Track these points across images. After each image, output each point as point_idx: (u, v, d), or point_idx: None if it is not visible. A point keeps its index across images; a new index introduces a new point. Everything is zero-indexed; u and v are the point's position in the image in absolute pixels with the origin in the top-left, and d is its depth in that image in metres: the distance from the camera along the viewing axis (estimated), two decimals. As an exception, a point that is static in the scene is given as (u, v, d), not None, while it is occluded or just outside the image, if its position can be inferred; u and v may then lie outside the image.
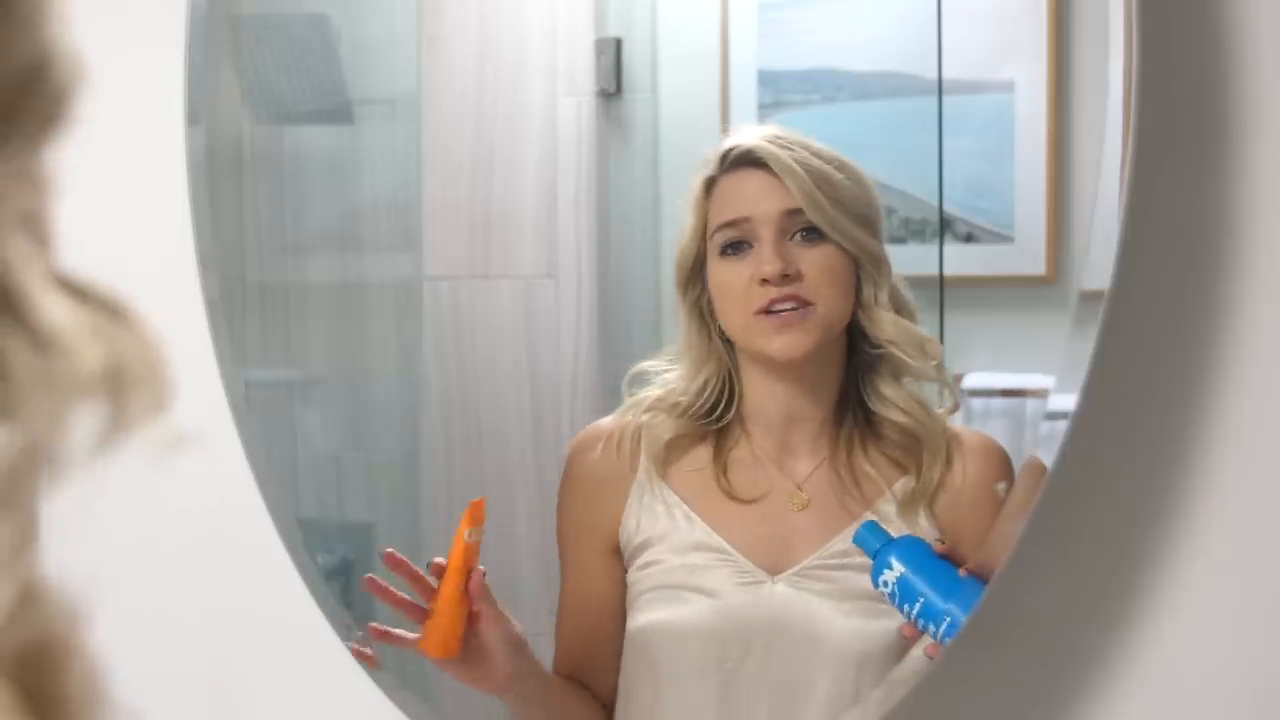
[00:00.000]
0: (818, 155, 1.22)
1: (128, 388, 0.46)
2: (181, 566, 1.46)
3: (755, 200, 1.22)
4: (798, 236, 1.22)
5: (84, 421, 0.45)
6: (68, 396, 0.45)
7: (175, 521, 1.46)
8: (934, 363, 1.24)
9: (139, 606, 1.47)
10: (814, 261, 1.22)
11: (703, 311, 1.27)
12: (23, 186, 0.47)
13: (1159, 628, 1.17)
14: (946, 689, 1.20)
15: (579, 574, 1.30)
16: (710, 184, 1.25)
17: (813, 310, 1.21)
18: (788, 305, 1.21)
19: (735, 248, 1.23)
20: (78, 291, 0.47)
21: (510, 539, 1.44)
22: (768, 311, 1.21)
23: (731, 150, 1.24)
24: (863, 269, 1.23)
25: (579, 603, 1.30)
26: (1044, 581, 1.19)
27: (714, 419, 1.27)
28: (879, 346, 1.23)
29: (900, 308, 1.24)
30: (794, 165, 1.21)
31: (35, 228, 0.47)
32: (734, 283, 1.23)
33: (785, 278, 1.20)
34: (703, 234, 1.25)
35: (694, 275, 1.27)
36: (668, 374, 1.29)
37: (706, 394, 1.27)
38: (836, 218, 1.21)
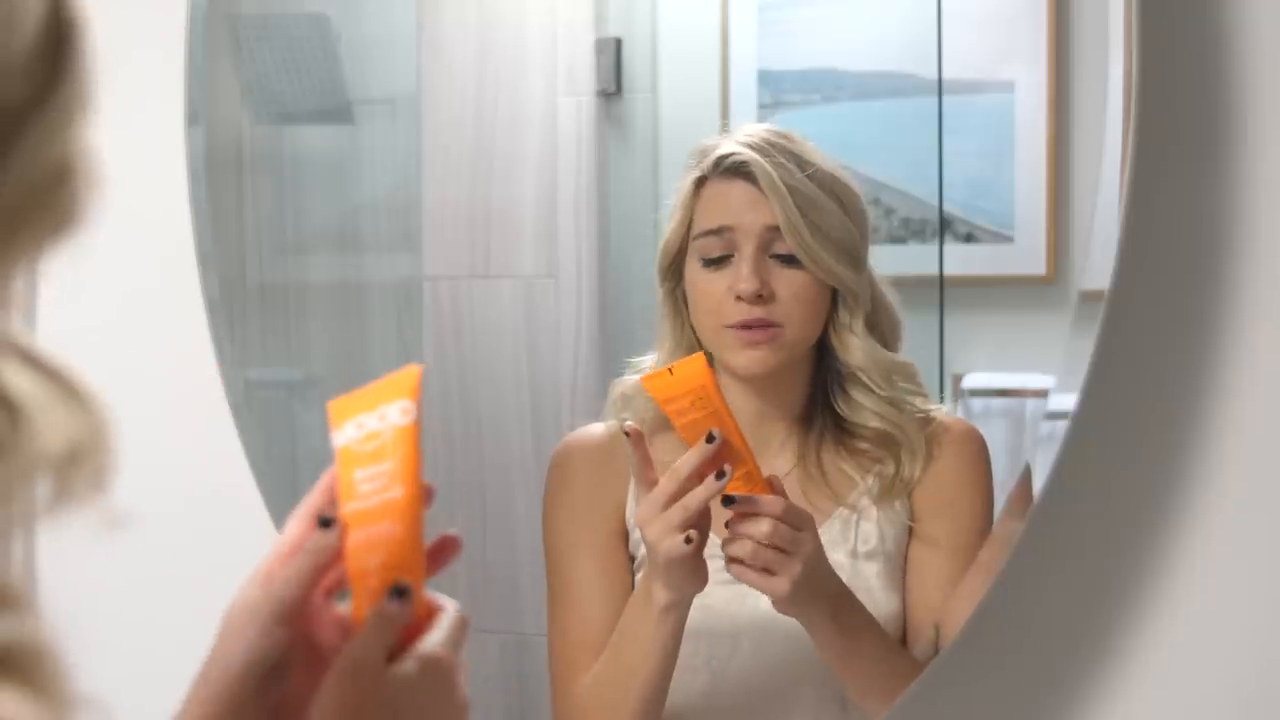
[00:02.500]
0: (812, 177, 1.21)
1: (74, 467, 0.48)
2: (181, 566, 1.46)
3: (739, 211, 1.22)
4: (779, 255, 1.22)
5: (32, 492, 0.47)
6: (27, 469, 0.46)
7: (175, 521, 1.46)
8: (901, 389, 1.24)
9: (138, 606, 1.47)
10: (789, 283, 1.21)
11: (678, 301, 1.27)
12: (11, 284, 0.49)
13: (1158, 628, 1.17)
14: (947, 688, 1.20)
15: (596, 570, 1.27)
16: (700, 184, 1.25)
17: (781, 332, 1.21)
18: (757, 325, 1.21)
19: (717, 263, 1.23)
20: (38, 365, 0.49)
21: (510, 539, 1.44)
22: (737, 327, 1.21)
23: (725, 157, 1.23)
24: (841, 292, 1.22)
25: (600, 597, 1.26)
26: (1043, 581, 1.19)
27: None
28: (846, 367, 1.23)
29: (881, 324, 1.24)
30: (780, 186, 1.20)
31: (3, 298, 0.49)
32: (710, 291, 1.23)
33: (759, 297, 1.20)
34: (687, 230, 1.25)
35: (674, 267, 1.27)
36: (646, 361, 1.29)
37: None
38: (813, 247, 1.20)
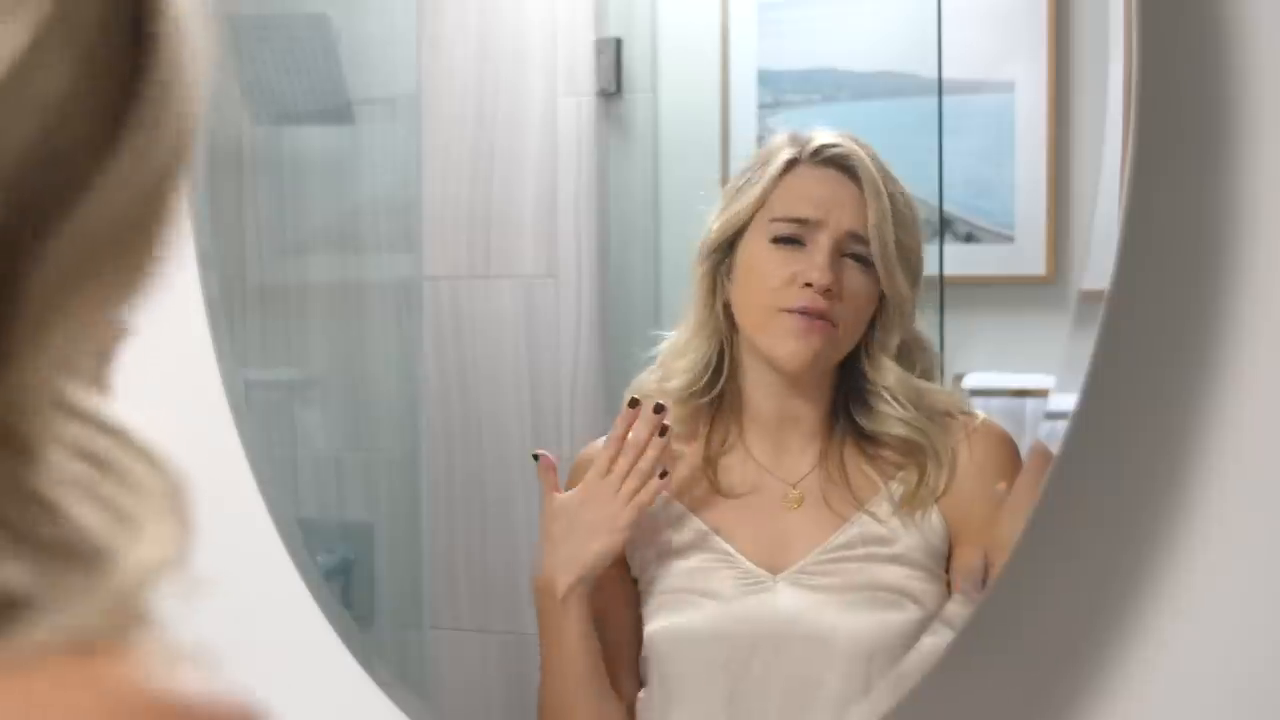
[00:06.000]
0: (900, 190, 1.22)
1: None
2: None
3: (830, 206, 1.22)
4: (850, 256, 1.22)
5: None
6: (139, 582, 0.44)
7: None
8: (928, 414, 1.24)
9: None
10: (855, 286, 1.22)
11: (718, 279, 1.26)
12: (82, 348, 0.44)
13: (1158, 628, 1.17)
14: (952, 683, 1.20)
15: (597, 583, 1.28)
16: (790, 166, 1.24)
17: (834, 331, 1.21)
18: (816, 314, 1.21)
19: (787, 243, 1.23)
20: (106, 430, 0.45)
21: (510, 539, 1.44)
22: (794, 311, 1.21)
23: (829, 147, 1.23)
24: (884, 311, 1.22)
25: (594, 613, 1.29)
26: (1045, 579, 1.19)
27: (703, 389, 1.27)
28: (874, 386, 1.23)
29: (918, 358, 1.24)
30: (883, 192, 1.21)
31: (99, 380, 0.46)
32: (773, 272, 1.22)
33: (828, 291, 1.20)
34: (758, 208, 1.25)
35: (728, 242, 1.26)
36: (663, 344, 1.29)
37: (698, 358, 1.26)
38: (892, 258, 1.21)
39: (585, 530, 1.25)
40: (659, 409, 1.25)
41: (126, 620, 0.43)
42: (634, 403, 1.25)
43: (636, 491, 1.24)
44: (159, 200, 0.44)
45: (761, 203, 1.24)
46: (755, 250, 1.24)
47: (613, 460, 1.25)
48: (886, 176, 1.22)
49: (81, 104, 0.42)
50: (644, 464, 1.24)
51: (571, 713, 1.27)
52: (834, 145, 1.23)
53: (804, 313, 1.21)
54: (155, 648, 0.44)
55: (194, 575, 0.46)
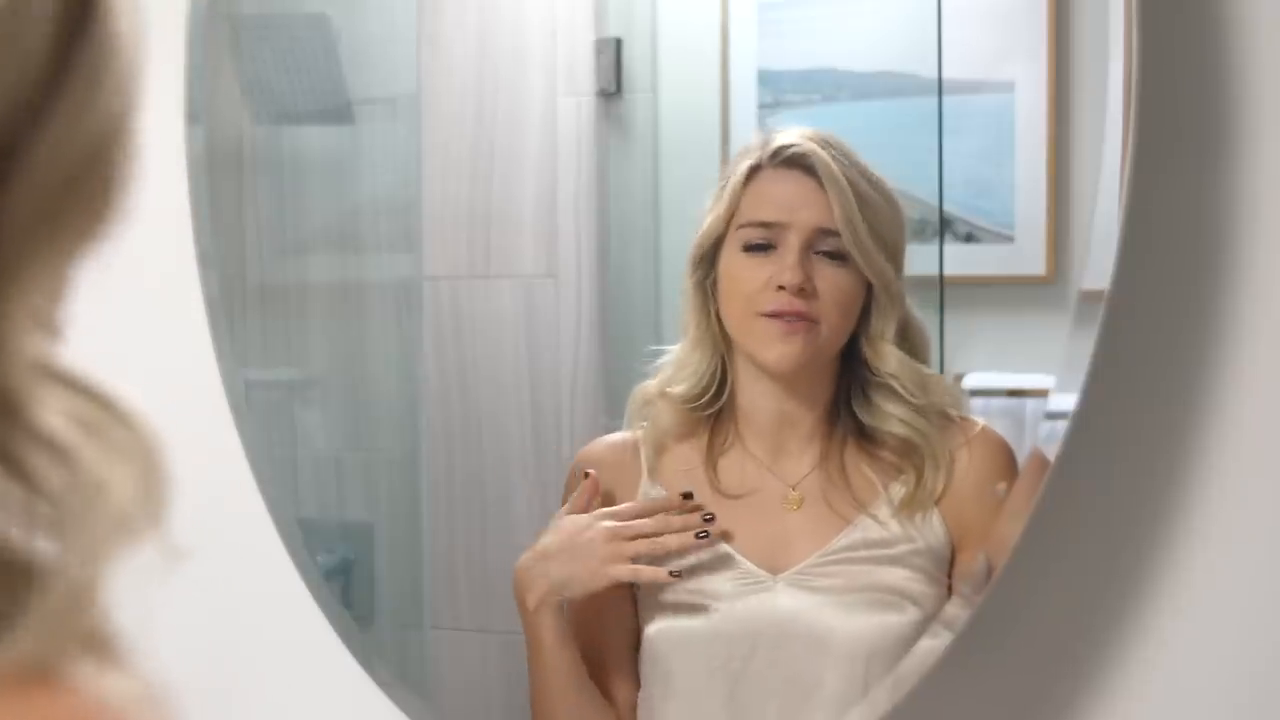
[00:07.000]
0: (864, 176, 1.22)
1: (134, 509, 0.45)
2: (179, 566, 1.46)
3: (794, 207, 1.22)
4: (823, 251, 1.22)
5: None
6: (111, 533, 0.44)
7: (174, 521, 1.46)
8: (934, 400, 1.24)
9: (136, 606, 1.47)
10: (831, 281, 1.21)
11: (706, 291, 1.27)
12: (46, 298, 0.45)
13: (1159, 627, 1.17)
14: (951, 683, 1.20)
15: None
16: (753, 172, 1.25)
17: (816, 329, 1.21)
18: (794, 317, 1.21)
19: (760, 249, 1.23)
20: (85, 392, 0.45)
21: (510, 538, 1.44)
22: (773, 315, 1.21)
23: (786, 148, 1.23)
24: (876, 299, 1.23)
25: (588, 615, 1.30)
26: (1045, 579, 1.19)
27: (706, 403, 1.27)
28: (879, 375, 1.23)
29: (911, 338, 1.24)
30: (841, 180, 1.20)
31: (48, 325, 0.45)
32: (749, 278, 1.23)
33: (801, 290, 1.20)
34: (730, 218, 1.25)
35: (708, 256, 1.26)
36: (665, 357, 1.29)
37: (700, 371, 1.27)
38: (867, 245, 1.21)
39: (573, 555, 1.25)
40: (709, 518, 1.24)
41: (79, 642, 0.43)
42: (688, 496, 1.26)
43: (640, 555, 1.24)
44: (111, 145, 0.46)
45: (732, 212, 1.25)
46: (731, 259, 1.25)
47: (641, 515, 1.25)
48: (851, 168, 1.21)
49: (47, 57, 0.43)
50: (665, 541, 1.24)
51: (555, 713, 1.27)
52: (791, 145, 1.23)
53: (782, 315, 1.21)
54: (106, 682, 0.44)
55: (172, 542, 0.46)
